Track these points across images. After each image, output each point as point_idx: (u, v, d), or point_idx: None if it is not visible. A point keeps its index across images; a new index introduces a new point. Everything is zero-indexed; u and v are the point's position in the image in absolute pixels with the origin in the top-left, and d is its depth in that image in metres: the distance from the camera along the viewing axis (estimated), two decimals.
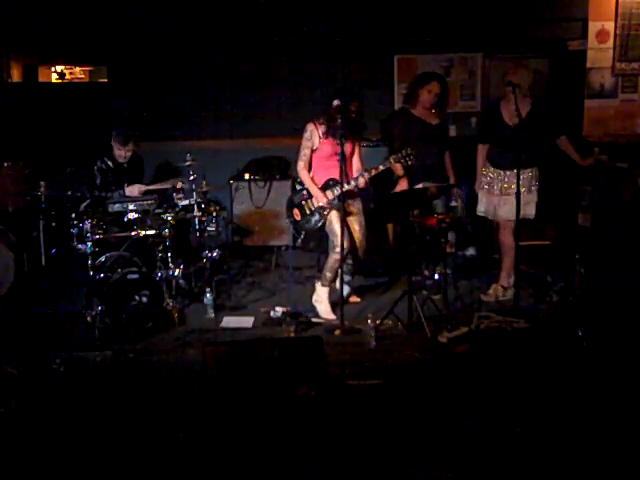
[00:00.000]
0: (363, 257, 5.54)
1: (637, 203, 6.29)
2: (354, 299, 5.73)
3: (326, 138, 5.29)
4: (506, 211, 5.49)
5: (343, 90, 5.37)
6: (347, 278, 5.58)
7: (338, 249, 5.28)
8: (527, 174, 5.51)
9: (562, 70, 7.60)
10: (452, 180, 5.91)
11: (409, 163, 5.16)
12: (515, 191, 5.11)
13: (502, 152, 5.52)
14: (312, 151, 5.37)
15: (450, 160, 6.00)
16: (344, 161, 5.08)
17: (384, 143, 6.65)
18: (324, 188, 5.34)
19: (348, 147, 5.29)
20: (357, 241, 5.45)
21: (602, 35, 7.37)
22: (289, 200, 5.59)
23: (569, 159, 5.74)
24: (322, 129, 5.30)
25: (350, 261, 5.53)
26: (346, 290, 5.51)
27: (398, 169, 5.68)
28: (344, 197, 5.16)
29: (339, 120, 5.04)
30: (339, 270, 5.23)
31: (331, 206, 5.30)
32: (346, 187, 5.14)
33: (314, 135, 5.33)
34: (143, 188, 5.94)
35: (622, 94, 7.54)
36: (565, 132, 5.64)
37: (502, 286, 5.70)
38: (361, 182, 5.26)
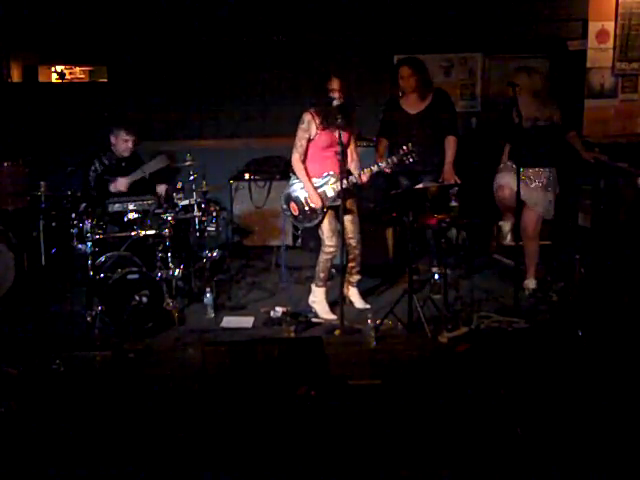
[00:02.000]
0: (360, 252, 5.44)
1: (637, 203, 6.29)
2: (361, 305, 5.53)
3: (323, 129, 5.18)
4: (532, 197, 5.56)
5: (322, 75, 5.18)
6: (351, 279, 5.50)
7: (328, 249, 5.27)
8: (547, 173, 5.64)
9: (562, 70, 7.59)
10: (447, 167, 5.81)
11: (410, 161, 5.13)
12: (539, 187, 5.51)
13: (522, 149, 5.49)
14: (308, 141, 5.25)
15: (452, 147, 5.83)
16: (344, 158, 5.04)
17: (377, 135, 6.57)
18: (324, 183, 5.25)
19: (344, 137, 5.12)
20: (350, 241, 5.37)
21: (602, 35, 7.37)
22: (286, 194, 5.44)
23: (569, 159, 5.76)
24: (319, 119, 5.17)
25: (354, 263, 5.44)
26: (352, 294, 5.50)
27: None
28: (344, 195, 5.12)
29: (339, 120, 4.98)
30: (345, 272, 5.18)
31: (328, 206, 5.24)
32: (345, 184, 5.08)
33: (311, 125, 5.20)
34: (128, 181, 5.88)
35: (622, 94, 7.55)
36: (574, 127, 5.77)
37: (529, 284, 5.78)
38: (360, 180, 5.20)
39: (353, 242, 5.40)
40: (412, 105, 5.84)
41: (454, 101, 6.28)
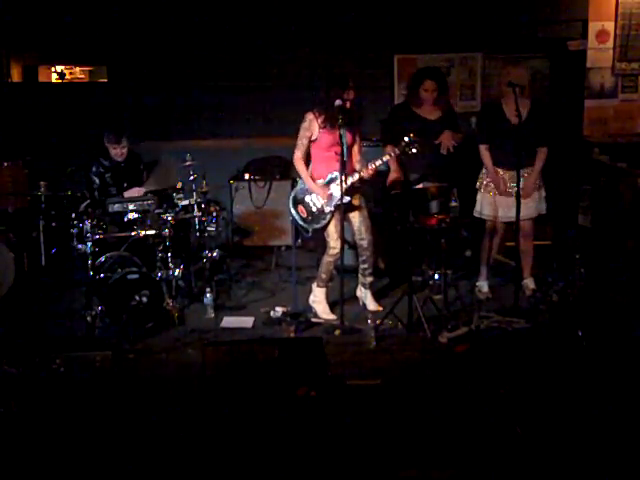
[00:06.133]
0: (372, 253, 5.39)
1: (637, 203, 6.29)
2: (374, 307, 5.45)
3: (324, 128, 5.16)
4: (525, 210, 5.44)
5: (338, 79, 5.17)
6: (363, 280, 5.46)
7: (332, 250, 5.25)
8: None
9: (562, 70, 7.59)
10: (447, 131, 5.81)
11: (413, 151, 5.09)
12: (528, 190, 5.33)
13: (507, 152, 5.49)
14: (310, 141, 5.23)
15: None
16: (343, 161, 5.03)
17: (383, 143, 6.60)
18: (329, 182, 5.22)
19: (349, 137, 5.15)
20: (361, 242, 5.33)
21: (602, 35, 7.37)
22: (293, 197, 5.42)
23: (569, 159, 5.76)
24: (321, 119, 5.17)
25: (366, 265, 5.40)
26: (365, 296, 5.46)
27: (392, 163, 5.66)
28: (349, 193, 5.12)
29: (340, 120, 4.97)
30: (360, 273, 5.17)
31: (335, 205, 5.18)
32: (349, 183, 5.08)
33: (313, 125, 5.18)
34: (142, 191, 5.92)
35: (622, 94, 7.54)
36: (549, 143, 5.61)
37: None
38: (365, 174, 5.16)
39: (364, 243, 5.35)
40: (429, 112, 5.83)
41: (454, 102, 6.31)
